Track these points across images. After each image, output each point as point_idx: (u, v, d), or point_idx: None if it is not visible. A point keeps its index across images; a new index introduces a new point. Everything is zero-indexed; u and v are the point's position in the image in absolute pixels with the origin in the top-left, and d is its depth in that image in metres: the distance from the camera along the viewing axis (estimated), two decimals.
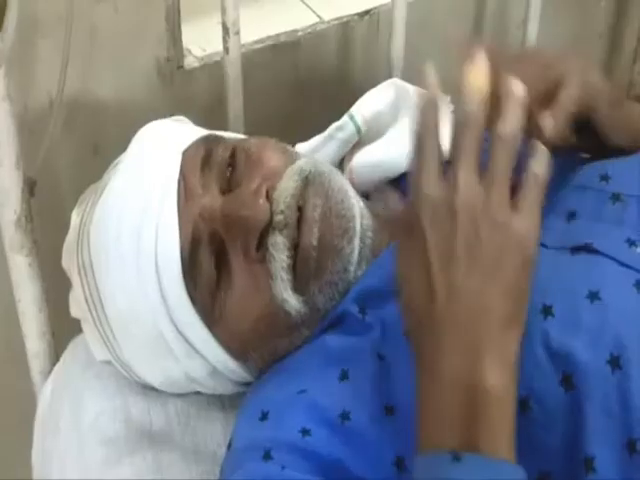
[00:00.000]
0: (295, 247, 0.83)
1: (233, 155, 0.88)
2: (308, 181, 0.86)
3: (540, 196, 0.70)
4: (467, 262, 0.68)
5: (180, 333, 0.86)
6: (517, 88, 0.71)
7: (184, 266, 0.84)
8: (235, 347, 0.87)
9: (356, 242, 0.85)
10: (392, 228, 0.75)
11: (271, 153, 0.89)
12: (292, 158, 0.90)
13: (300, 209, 0.84)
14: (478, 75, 0.72)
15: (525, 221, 0.69)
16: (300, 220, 0.84)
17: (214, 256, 0.84)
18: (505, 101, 0.71)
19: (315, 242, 0.83)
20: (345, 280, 0.85)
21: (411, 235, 0.70)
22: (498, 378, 0.66)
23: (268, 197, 0.84)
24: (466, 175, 0.69)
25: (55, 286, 1.00)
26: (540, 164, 0.70)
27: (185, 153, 0.88)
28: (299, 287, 0.84)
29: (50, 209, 1.04)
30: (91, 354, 0.97)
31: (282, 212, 0.83)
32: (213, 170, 0.87)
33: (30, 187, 0.97)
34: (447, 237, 0.68)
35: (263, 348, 0.88)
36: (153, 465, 0.92)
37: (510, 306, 0.68)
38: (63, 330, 1.04)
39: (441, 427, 0.68)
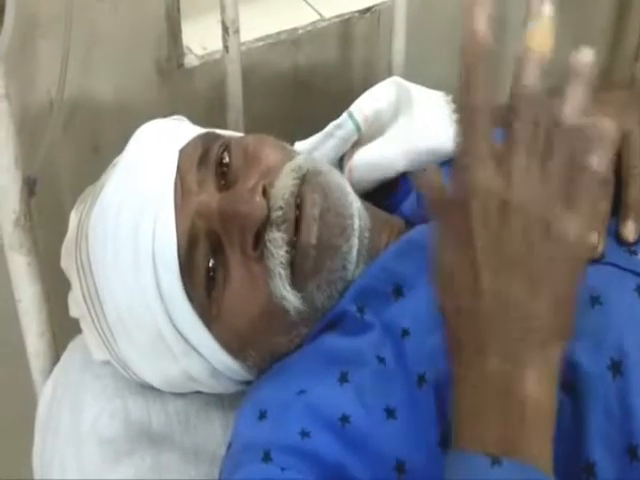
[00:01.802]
0: (293, 244, 0.83)
1: (229, 153, 0.88)
2: (306, 179, 0.85)
3: (596, 193, 0.64)
4: (518, 268, 0.64)
5: (178, 331, 0.86)
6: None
7: (181, 264, 0.83)
8: (233, 345, 0.87)
9: (354, 241, 0.85)
10: (433, 210, 0.68)
11: (268, 150, 0.89)
12: (290, 155, 0.89)
13: (298, 207, 0.84)
14: (543, 34, 0.62)
15: (577, 222, 0.64)
16: (299, 218, 0.83)
17: (211, 254, 0.84)
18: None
19: (314, 240, 0.83)
20: (344, 279, 0.85)
21: (456, 222, 0.65)
22: (538, 387, 0.65)
23: (265, 194, 0.83)
24: (523, 169, 0.63)
25: (55, 286, 0.99)
26: (601, 160, 0.63)
27: (182, 151, 0.88)
28: (297, 284, 0.84)
29: (50, 208, 1.05)
30: (91, 354, 0.97)
31: (281, 208, 0.83)
32: (210, 168, 0.87)
33: (30, 186, 0.97)
34: (497, 238, 0.64)
35: (262, 347, 0.87)
36: (152, 466, 0.93)
37: (557, 319, 0.66)
38: (63, 330, 1.04)
39: (477, 428, 0.66)
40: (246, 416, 0.84)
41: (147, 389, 0.95)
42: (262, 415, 0.82)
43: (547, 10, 0.63)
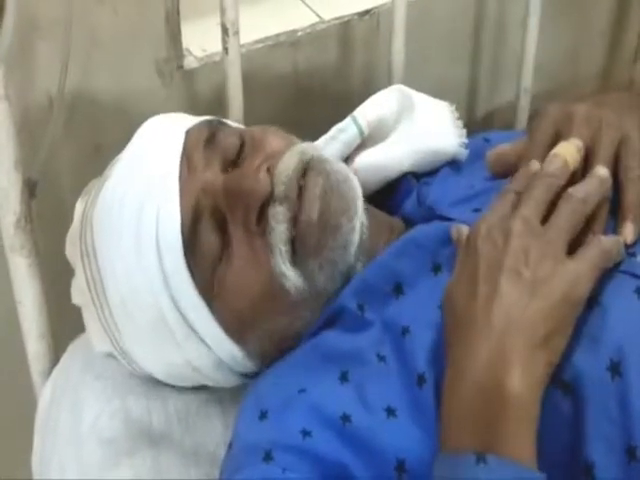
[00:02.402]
0: (295, 221, 0.84)
1: (242, 143, 0.89)
2: (310, 165, 0.87)
3: (599, 259, 0.73)
4: (512, 276, 0.72)
5: (180, 313, 0.86)
6: (602, 171, 0.78)
7: (185, 241, 0.84)
8: (234, 326, 0.87)
9: (357, 222, 0.85)
10: (458, 244, 0.80)
11: (273, 137, 0.90)
12: (294, 142, 0.91)
13: (301, 188, 0.85)
14: (570, 149, 0.80)
15: (576, 266, 0.72)
16: (301, 195, 0.84)
17: (215, 231, 0.85)
18: (588, 176, 0.78)
19: (315, 217, 0.84)
20: (345, 261, 0.85)
21: (467, 250, 0.76)
22: (522, 390, 0.68)
23: (269, 172, 0.85)
24: (529, 213, 0.75)
25: (55, 287, 1.00)
26: (611, 242, 0.75)
27: (189, 132, 0.89)
28: (298, 261, 0.84)
29: (50, 210, 1.05)
30: (91, 355, 0.97)
31: (283, 184, 0.84)
32: (217, 150, 0.88)
33: (31, 188, 0.97)
34: (497, 251, 0.73)
35: (262, 328, 0.87)
36: (152, 466, 0.93)
37: (547, 327, 0.70)
38: (63, 331, 1.04)
39: (463, 426, 0.70)
40: (247, 416, 0.84)
41: (147, 388, 0.96)
42: (263, 415, 0.83)
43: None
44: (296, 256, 0.84)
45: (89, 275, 0.89)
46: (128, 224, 0.85)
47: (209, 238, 0.84)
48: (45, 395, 1.03)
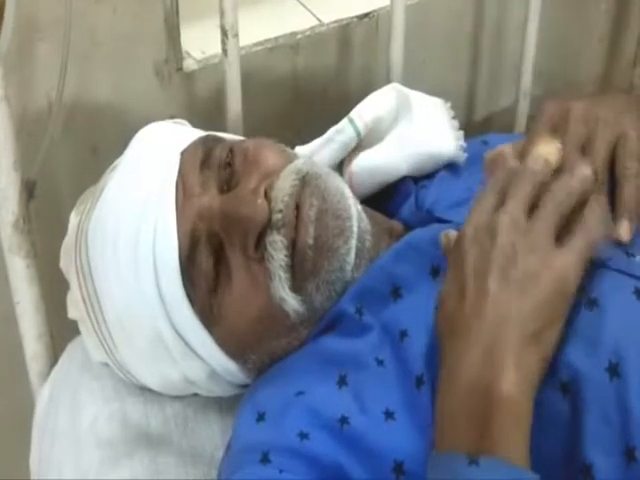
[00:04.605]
0: (293, 246, 0.83)
1: (231, 155, 0.88)
2: (305, 181, 0.86)
3: (588, 246, 0.73)
4: (500, 273, 0.71)
5: (178, 334, 0.86)
6: (583, 168, 0.75)
7: (182, 266, 0.84)
8: (233, 348, 0.87)
9: (353, 242, 0.85)
10: (446, 250, 0.79)
11: (268, 153, 0.89)
12: (289, 158, 0.90)
13: (298, 208, 0.84)
14: (550, 149, 0.77)
15: (565, 257, 0.72)
16: (297, 219, 0.84)
17: (212, 255, 0.84)
18: (569, 172, 0.75)
19: (311, 241, 0.83)
20: (342, 280, 0.85)
21: (455, 253, 0.75)
22: (514, 390, 0.68)
23: (266, 196, 0.84)
24: (513, 208, 0.73)
25: (53, 288, 0.99)
26: (597, 226, 0.74)
27: (184, 153, 0.88)
28: (296, 286, 0.84)
29: (49, 211, 1.04)
30: (89, 356, 0.97)
31: (280, 211, 0.83)
32: (213, 170, 0.87)
33: (30, 189, 0.97)
34: (485, 251, 0.73)
35: (261, 349, 0.88)
36: (150, 468, 0.93)
37: (537, 324, 0.70)
38: (61, 332, 1.04)
39: (456, 427, 0.69)
40: (244, 418, 0.84)
41: (145, 391, 0.96)
42: (260, 417, 0.82)
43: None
44: (295, 281, 0.84)
45: (84, 292, 0.89)
46: (125, 250, 0.84)
47: (207, 264, 0.84)
48: (43, 396, 1.02)
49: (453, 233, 0.79)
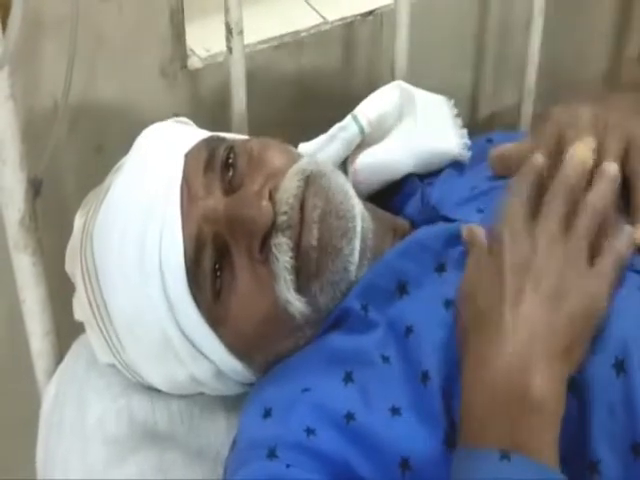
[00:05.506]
0: (297, 248, 0.84)
1: (233, 156, 0.88)
2: (309, 181, 0.86)
3: (617, 264, 0.75)
4: (538, 285, 0.73)
5: (185, 336, 0.86)
6: (611, 168, 0.79)
7: (188, 269, 0.84)
8: (240, 349, 0.87)
9: (356, 243, 0.85)
10: (470, 244, 0.81)
11: (273, 153, 0.89)
12: (294, 158, 0.90)
13: (301, 209, 0.84)
14: (585, 150, 0.80)
15: (596, 280, 0.74)
16: (301, 221, 0.84)
17: (218, 257, 0.84)
18: (599, 177, 0.78)
19: (315, 242, 0.83)
20: (346, 280, 0.85)
21: (489, 251, 0.77)
22: (546, 390, 0.69)
23: (271, 197, 0.84)
24: (551, 225, 0.76)
25: (59, 285, 1.00)
26: (624, 244, 0.76)
27: (188, 156, 0.88)
28: (301, 287, 0.84)
29: (54, 209, 1.05)
30: (96, 357, 0.97)
31: (285, 213, 0.83)
32: (216, 172, 0.87)
33: (36, 187, 0.97)
34: (525, 252, 0.75)
35: (267, 349, 0.88)
36: (156, 465, 0.93)
37: (568, 340, 0.72)
38: (67, 330, 1.04)
39: (487, 423, 0.70)
40: (251, 414, 0.84)
41: (151, 388, 0.95)
42: (267, 413, 0.83)
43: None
44: (300, 282, 0.84)
45: (91, 295, 0.89)
46: (131, 254, 0.84)
47: (212, 266, 0.84)
48: (49, 393, 1.02)
49: (478, 229, 0.80)
